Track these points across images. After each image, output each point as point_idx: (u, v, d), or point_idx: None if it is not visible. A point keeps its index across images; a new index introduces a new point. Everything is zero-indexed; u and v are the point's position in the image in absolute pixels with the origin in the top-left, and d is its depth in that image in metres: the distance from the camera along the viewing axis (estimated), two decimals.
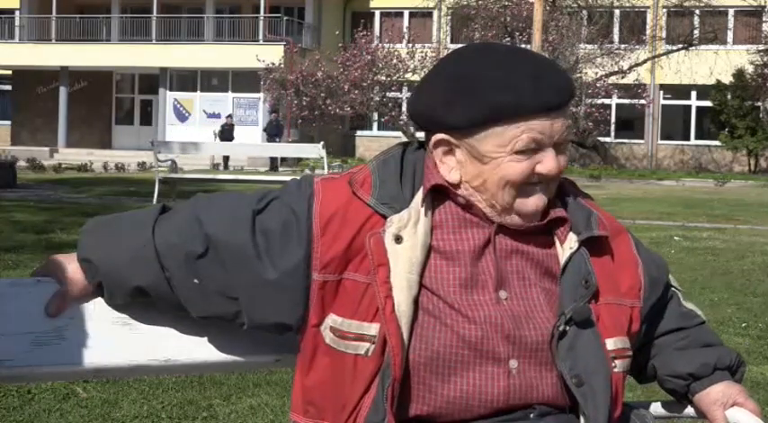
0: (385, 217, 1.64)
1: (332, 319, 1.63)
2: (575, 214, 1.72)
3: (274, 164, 29.83)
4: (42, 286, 1.81)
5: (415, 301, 1.61)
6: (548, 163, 1.63)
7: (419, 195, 1.66)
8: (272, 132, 30.40)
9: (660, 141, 35.72)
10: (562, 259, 1.69)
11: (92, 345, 1.80)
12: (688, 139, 35.70)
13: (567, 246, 1.69)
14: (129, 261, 1.71)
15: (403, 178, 1.68)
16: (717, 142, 33.83)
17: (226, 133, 30.75)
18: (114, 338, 1.82)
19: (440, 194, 1.68)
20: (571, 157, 33.07)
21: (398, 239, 1.62)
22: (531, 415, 1.64)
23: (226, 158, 30.02)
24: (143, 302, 1.80)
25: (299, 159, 29.19)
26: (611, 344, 1.67)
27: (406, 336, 1.59)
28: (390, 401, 1.58)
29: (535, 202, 1.66)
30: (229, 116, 32.26)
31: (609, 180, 27.38)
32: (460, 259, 1.65)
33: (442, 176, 1.67)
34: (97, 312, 1.82)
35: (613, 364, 1.67)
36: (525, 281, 1.67)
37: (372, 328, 1.60)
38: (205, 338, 1.87)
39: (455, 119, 1.63)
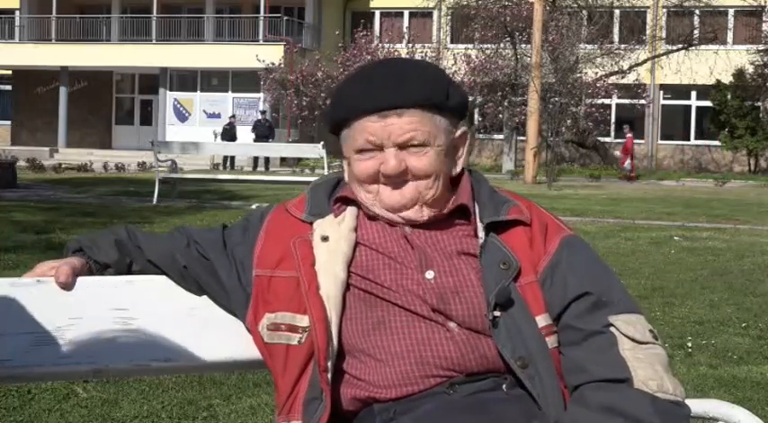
0: (312, 224, 1.84)
1: (267, 318, 1.77)
2: (484, 204, 1.82)
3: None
4: (42, 286, 1.81)
5: (345, 287, 1.75)
6: (387, 163, 1.77)
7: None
8: (264, 134, 30.33)
9: (660, 141, 35.72)
10: (477, 245, 1.78)
11: (92, 345, 1.80)
12: (688, 139, 35.70)
13: (479, 234, 1.79)
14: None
15: (332, 195, 1.88)
16: (717, 142, 33.83)
17: (227, 134, 30.73)
18: (114, 338, 1.82)
19: (355, 203, 1.85)
20: (571, 157, 33.35)
21: (325, 239, 1.79)
22: (504, 386, 1.69)
23: (226, 158, 29.99)
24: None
25: (299, 159, 29.19)
26: (540, 321, 1.72)
27: (335, 313, 1.72)
28: (324, 376, 1.69)
29: (396, 198, 1.79)
30: (233, 116, 32.24)
31: (609, 180, 27.38)
32: (384, 251, 1.79)
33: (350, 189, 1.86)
34: (97, 312, 1.83)
35: (548, 341, 1.72)
36: (452, 259, 1.77)
37: (304, 320, 1.73)
38: (205, 338, 1.88)
39: (326, 128, 1.89)
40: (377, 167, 1.78)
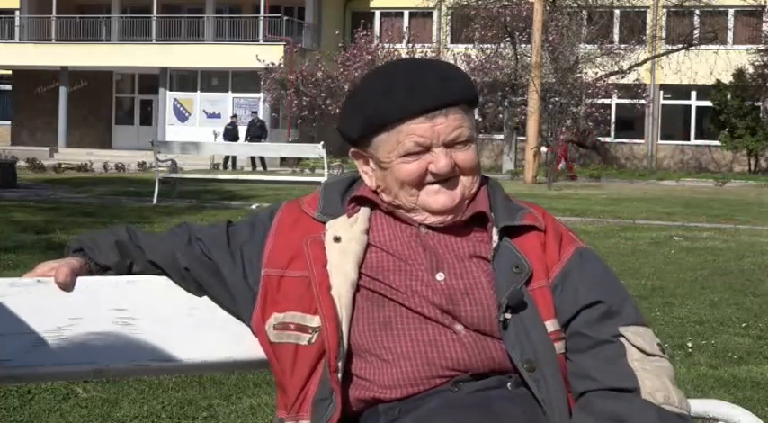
0: (325, 224, 1.83)
1: (274, 317, 1.76)
2: (499, 210, 1.83)
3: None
4: (42, 286, 1.81)
5: (356, 288, 1.74)
6: (438, 162, 1.76)
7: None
8: (256, 134, 30.32)
9: (660, 141, 35.73)
10: (490, 250, 1.78)
11: (92, 345, 1.80)
12: (688, 139, 35.70)
13: (493, 238, 1.80)
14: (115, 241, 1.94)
15: (345, 195, 1.87)
16: (717, 142, 33.83)
17: (229, 134, 30.73)
18: (114, 338, 1.82)
19: (370, 203, 1.84)
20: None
21: (337, 239, 1.79)
22: (509, 384, 1.69)
23: (227, 159, 29.99)
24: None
25: (299, 159, 29.18)
26: (549, 326, 1.72)
27: (346, 313, 1.72)
28: (334, 376, 1.68)
29: (443, 200, 1.78)
30: (234, 116, 32.24)
31: (609, 180, 27.40)
32: (395, 252, 1.79)
33: (368, 188, 1.85)
34: (97, 312, 1.83)
35: (555, 346, 1.72)
36: (463, 261, 1.77)
37: (315, 320, 1.72)
38: (205, 338, 1.87)
39: (350, 132, 1.82)
40: (424, 169, 1.77)
